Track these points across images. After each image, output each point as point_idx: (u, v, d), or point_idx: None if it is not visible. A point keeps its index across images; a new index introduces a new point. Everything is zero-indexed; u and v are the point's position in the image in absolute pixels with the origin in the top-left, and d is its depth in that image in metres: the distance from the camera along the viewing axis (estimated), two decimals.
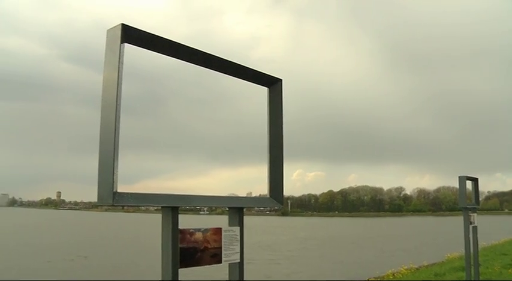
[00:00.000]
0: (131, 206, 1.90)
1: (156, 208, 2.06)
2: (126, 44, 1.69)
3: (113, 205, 1.73)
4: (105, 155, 1.66)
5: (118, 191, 1.71)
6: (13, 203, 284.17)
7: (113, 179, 1.66)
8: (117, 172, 1.68)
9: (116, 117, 1.62)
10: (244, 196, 3.13)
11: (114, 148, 1.63)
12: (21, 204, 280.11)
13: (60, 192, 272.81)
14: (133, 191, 1.83)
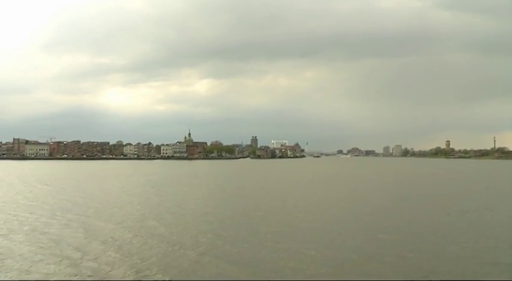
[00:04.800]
0: None
1: None
2: None
3: None
4: None
5: None
6: (406, 153, 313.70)
7: None
8: None
9: None
10: None
11: None
12: (413, 154, 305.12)
13: (449, 141, 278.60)
14: None
